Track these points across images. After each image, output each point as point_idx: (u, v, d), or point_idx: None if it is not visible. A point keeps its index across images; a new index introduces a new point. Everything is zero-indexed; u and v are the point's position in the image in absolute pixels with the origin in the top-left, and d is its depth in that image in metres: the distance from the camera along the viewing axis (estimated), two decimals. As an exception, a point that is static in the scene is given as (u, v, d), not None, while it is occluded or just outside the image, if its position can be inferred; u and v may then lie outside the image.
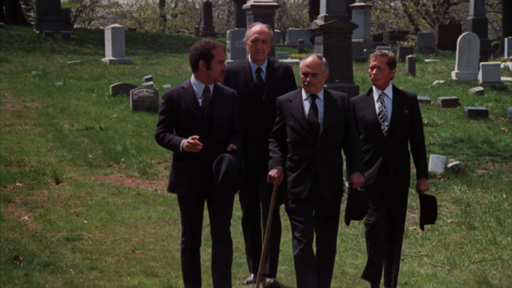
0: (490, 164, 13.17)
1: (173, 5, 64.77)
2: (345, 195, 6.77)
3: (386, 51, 7.08)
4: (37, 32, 33.02)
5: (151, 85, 20.14)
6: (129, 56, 28.20)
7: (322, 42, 17.26)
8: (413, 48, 35.73)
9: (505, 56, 30.47)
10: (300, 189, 6.51)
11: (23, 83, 20.66)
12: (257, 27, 7.12)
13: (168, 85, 20.63)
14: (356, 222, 8.62)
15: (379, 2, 53.34)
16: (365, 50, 30.26)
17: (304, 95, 6.59)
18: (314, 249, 6.66)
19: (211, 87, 6.44)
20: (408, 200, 7.48)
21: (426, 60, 30.52)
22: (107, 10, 62.89)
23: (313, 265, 6.53)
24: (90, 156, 12.89)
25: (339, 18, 17.42)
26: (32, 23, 36.73)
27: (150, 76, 22.52)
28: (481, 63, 22.51)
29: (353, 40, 19.29)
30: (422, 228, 7.34)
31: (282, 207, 6.94)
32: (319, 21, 17.59)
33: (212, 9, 50.59)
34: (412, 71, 24.97)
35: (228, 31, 27.98)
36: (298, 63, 8.37)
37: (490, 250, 8.98)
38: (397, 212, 7.01)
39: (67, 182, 11.24)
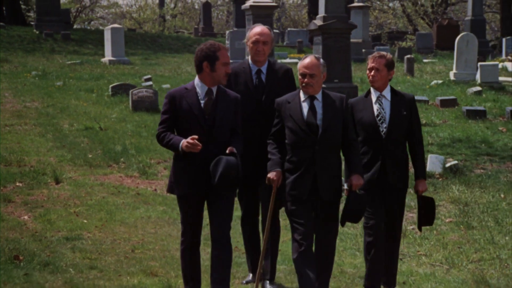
0: (488, 164, 13.19)
1: (172, 5, 64.78)
2: (344, 196, 6.78)
3: (384, 53, 7.07)
4: (37, 32, 33.04)
5: (151, 85, 20.15)
6: (128, 57, 28.21)
7: (321, 42, 17.30)
8: (411, 48, 35.76)
9: (503, 56, 30.54)
10: (300, 191, 6.50)
11: (23, 83, 20.66)
12: (258, 28, 7.10)
13: (168, 85, 20.66)
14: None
15: (378, 2, 53.36)
16: (363, 50, 30.29)
17: (302, 96, 6.57)
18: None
19: (214, 89, 6.45)
20: (407, 200, 7.50)
21: (425, 60, 30.55)
22: (106, 11, 62.92)
23: (313, 266, 6.53)
24: (90, 156, 12.89)
25: (337, 19, 17.46)
26: (32, 23, 36.75)
27: (149, 76, 22.54)
28: (479, 63, 22.53)
29: (351, 40, 19.33)
30: (419, 229, 7.34)
31: (282, 208, 6.93)
32: (318, 22, 17.63)
33: (211, 10, 50.60)
34: (410, 71, 25.00)
35: (227, 32, 28.03)
36: (297, 64, 8.47)
37: (488, 249, 8.99)
38: (395, 212, 7.01)
39: (67, 182, 11.25)
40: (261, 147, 6.78)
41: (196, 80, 6.49)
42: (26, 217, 9.51)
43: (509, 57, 28.25)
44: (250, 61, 7.12)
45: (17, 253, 7.88)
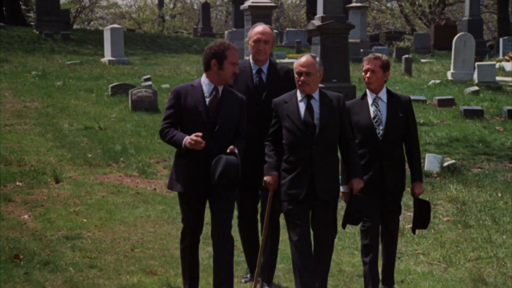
0: (485, 163, 13.23)
1: (171, 5, 64.83)
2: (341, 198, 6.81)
3: (379, 54, 7.06)
4: (37, 32, 33.07)
5: (150, 85, 20.16)
6: (128, 57, 28.23)
7: (319, 42, 17.32)
8: (409, 48, 35.82)
9: (500, 56, 30.60)
10: (297, 191, 6.47)
11: (23, 83, 20.65)
12: (260, 27, 7.05)
13: (167, 85, 20.68)
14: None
15: (376, 2, 53.42)
16: (361, 50, 30.33)
17: (299, 96, 6.55)
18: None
19: (220, 88, 6.42)
20: (405, 199, 7.52)
21: (422, 60, 30.60)
22: (106, 11, 62.95)
23: (312, 268, 6.51)
24: (90, 155, 12.89)
25: (336, 19, 17.49)
26: (32, 23, 36.79)
27: (148, 76, 22.55)
28: (476, 63, 22.57)
29: (349, 40, 19.36)
30: (413, 232, 7.33)
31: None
32: (316, 22, 17.66)
33: (210, 10, 50.66)
34: (408, 71, 25.03)
35: (226, 32, 28.09)
36: (295, 63, 8.66)
37: (486, 248, 9.02)
38: (392, 214, 6.99)
39: (67, 181, 11.24)
40: (261, 146, 6.74)
41: (203, 77, 6.46)
42: (26, 216, 9.51)
43: (506, 57, 28.30)
44: (251, 60, 7.09)
45: (17, 252, 7.87)
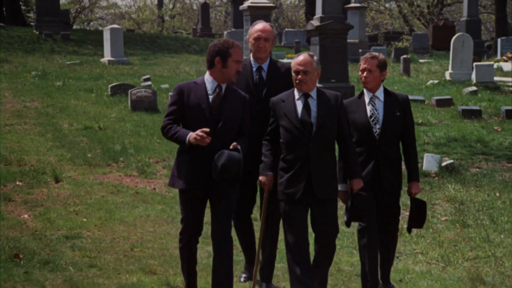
0: (483, 163, 13.26)
1: (171, 6, 64.84)
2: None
3: (376, 54, 7.02)
4: (37, 33, 33.11)
5: (149, 85, 20.19)
6: (127, 57, 28.26)
7: (318, 42, 17.35)
8: (407, 48, 35.86)
9: (498, 57, 30.67)
10: (294, 190, 6.43)
11: (23, 83, 20.68)
12: (260, 25, 7.03)
13: (166, 85, 20.72)
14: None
15: (374, 3, 53.48)
16: (360, 50, 30.33)
17: (296, 94, 6.52)
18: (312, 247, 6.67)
19: (224, 86, 6.40)
20: (403, 199, 7.54)
21: (421, 61, 30.65)
22: (105, 11, 63.00)
23: (309, 271, 6.51)
24: (89, 155, 12.89)
25: (334, 19, 17.51)
26: (32, 24, 36.84)
27: (148, 76, 22.58)
28: (474, 64, 22.64)
29: (348, 40, 19.37)
30: (409, 231, 7.30)
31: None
32: (315, 22, 17.68)
33: (209, 10, 50.70)
34: (406, 71, 25.08)
35: (225, 32, 28.13)
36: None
37: (484, 247, 9.04)
38: (391, 213, 6.98)
39: (67, 181, 11.25)
40: (261, 144, 6.72)
41: (207, 75, 6.43)
42: (26, 215, 9.52)
43: (504, 57, 28.38)
44: (251, 58, 7.07)
45: (17, 251, 7.88)
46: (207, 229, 6.64)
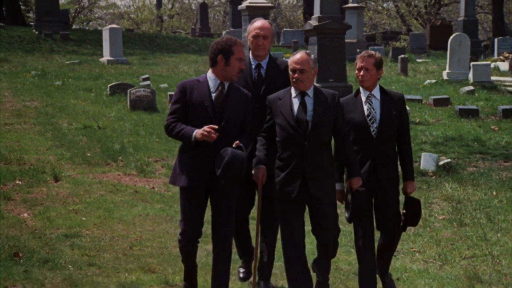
0: (480, 162, 13.29)
1: (169, 6, 64.81)
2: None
3: (373, 52, 6.97)
4: (36, 32, 33.11)
5: (148, 85, 20.22)
6: (126, 56, 28.26)
7: (316, 42, 17.40)
8: (405, 48, 35.89)
9: (495, 56, 30.70)
10: (290, 188, 6.40)
11: (23, 82, 20.70)
12: (259, 22, 6.97)
13: (165, 85, 20.76)
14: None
15: (372, 3, 53.51)
16: (358, 50, 30.31)
17: (293, 93, 6.47)
18: (310, 247, 6.70)
19: (226, 84, 6.36)
20: (400, 198, 7.54)
21: (418, 60, 30.66)
22: (105, 11, 62.97)
23: (306, 272, 6.51)
24: (89, 154, 12.91)
25: (332, 19, 17.57)
26: (32, 24, 36.84)
27: (147, 76, 22.62)
28: (471, 63, 22.66)
29: (346, 40, 19.44)
30: (403, 230, 7.21)
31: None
32: (313, 22, 17.74)
33: (208, 10, 50.68)
34: (404, 71, 25.11)
35: (223, 32, 28.15)
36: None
37: (481, 246, 9.05)
38: (389, 211, 6.93)
39: (66, 180, 11.27)
40: None
41: (209, 73, 6.41)
42: (25, 214, 9.53)
43: (501, 57, 28.41)
44: (250, 55, 7.01)
45: (17, 250, 7.89)
46: (206, 227, 6.66)
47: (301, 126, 6.38)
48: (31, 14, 42.70)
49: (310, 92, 6.49)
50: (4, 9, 38.36)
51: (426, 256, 8.78)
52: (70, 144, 13.68)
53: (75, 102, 18.02)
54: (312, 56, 6.51)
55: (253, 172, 6.49)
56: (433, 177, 12.19)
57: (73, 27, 45.06)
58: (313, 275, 6.88)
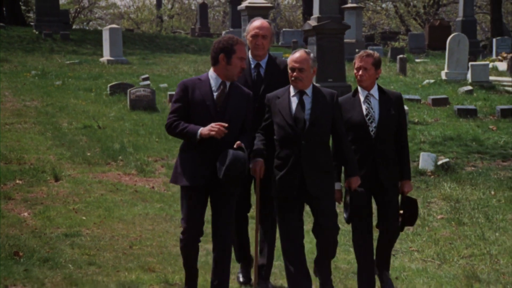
0: (479, 161, 13.30)
1: (169, 6, 64.80)
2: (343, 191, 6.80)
3: (371, 52, 6.96)
4: (37, 32, 33.12)
5: (148, 85, 20.21)
6: (126, 56, 28.27)
7: (315, 42, 17.42)
8: (404, 48, 35.88)
9: (494, 56, 30.72)
10: (288, 188, 6.39)
11: (23, 82, 20.69)
12: (258, 22, 6.93)
13: (165, 85, 20.76)
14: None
15: (371, 3, 53.53)
16: (357, 50, 30.32)
17: (292, 91, 6.47)
18: (310, 246, 6.70)
19: (228, 83, 6.33)
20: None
21: (417, 60, 30.66)
22: (105, 11, 62.95)
23: (305, 271, 6.51)
24: (89, 154, 12.91)
25: (331, 19, 17.60)
26: (32, 24, 36.84)
27: (147, 75, 22.62)
28: (470, 63, 22.66)
29: (345, 40, 19.49)
30: (401, 229, 7.19)
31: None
32: (312, 22, 17.76)
33: (207, 10, 50.68)
34: (403, 70, 25.12)
35: (223, 32, 28.16)
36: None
37: (479, 245, 9.06)
38: (389, 210, 6.90)
39: (66, 179, 11.28)
40: None
41: (211, 72, 6.38)
42: (26, 214, 9.54)
43: (500, 57, 28.44)
44: (249, 55, 6.98)
45: (17, 249, 7.90)
46: (206, 227, 6.67)
47: (299, 125, 6.37)
48: (31, 14, 42.69)
49: (309, 91, 6.48)
50: (4, 9, 38.38)
51: (425, 255, 8.80)
52: (70, 143, 13.69)
53: (75, 101, 18.02)
54: (311, 55, 6.51)
55: (251, 166, 6.47)
56: (432, 176, 12.21)
57: (73, 27, 45.06)
58: (316, 279, 6.89)
